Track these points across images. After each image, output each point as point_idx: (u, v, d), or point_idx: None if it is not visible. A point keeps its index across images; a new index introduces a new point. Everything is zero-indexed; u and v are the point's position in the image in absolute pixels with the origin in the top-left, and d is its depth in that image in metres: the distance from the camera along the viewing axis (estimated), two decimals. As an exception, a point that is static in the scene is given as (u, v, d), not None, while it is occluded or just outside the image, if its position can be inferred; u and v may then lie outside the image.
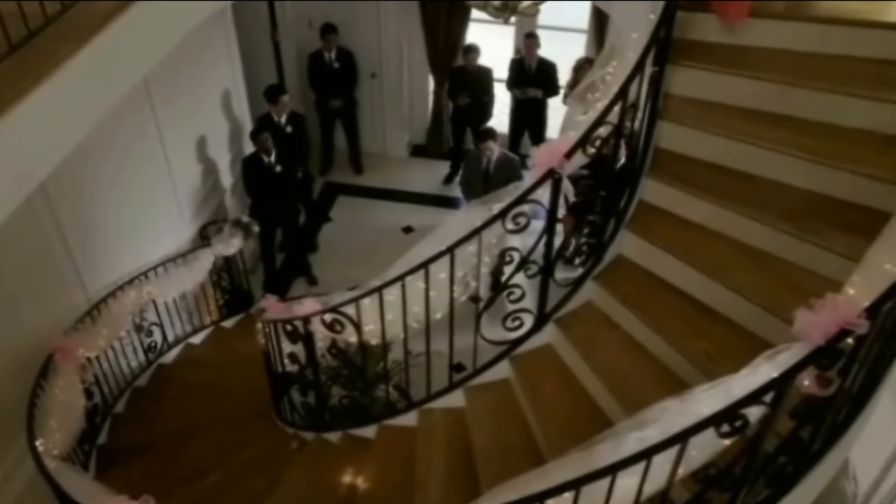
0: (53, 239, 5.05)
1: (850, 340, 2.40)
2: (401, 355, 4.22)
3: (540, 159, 3.31)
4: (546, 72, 7.87)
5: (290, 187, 7.20)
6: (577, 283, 3.89)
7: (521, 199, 3.34)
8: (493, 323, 3.94)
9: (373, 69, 8.55)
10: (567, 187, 3.37)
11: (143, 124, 5.95)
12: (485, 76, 8.17)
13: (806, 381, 2.48)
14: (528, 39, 7.85)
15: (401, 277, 3.59)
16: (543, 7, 8.03)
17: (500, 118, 8.60)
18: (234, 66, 7.33)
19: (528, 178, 3.40)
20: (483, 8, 6.66)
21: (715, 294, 3.58)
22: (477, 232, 3.41)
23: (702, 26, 3.90)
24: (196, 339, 6.78)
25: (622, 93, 3.25)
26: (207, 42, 6.74)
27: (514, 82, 8.05)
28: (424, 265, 3.52)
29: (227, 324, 7.06)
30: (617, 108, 3.32)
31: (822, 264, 3.35)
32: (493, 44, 8.72)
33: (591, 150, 3.34)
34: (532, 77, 7.89)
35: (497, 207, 3.40)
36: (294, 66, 8.35)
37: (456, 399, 4.12)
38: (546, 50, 7.89)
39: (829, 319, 2.36)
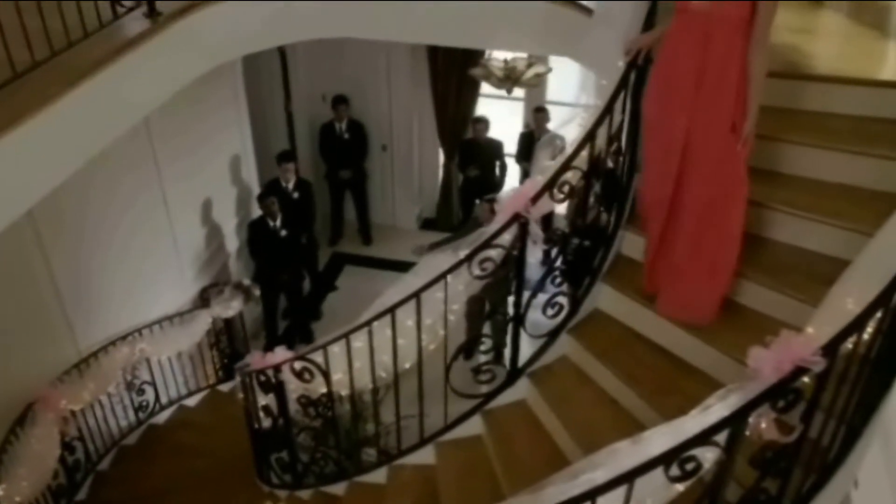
0: (45, 288, 5.09)
1: (806, 379, 2.28)
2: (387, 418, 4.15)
3: (506, 203, 3.29)
4: (555, 145, 7.93)
5: (294, 252, 7.25)
6: (551, 336, 3.79)
7: (486, 244, 3.30)
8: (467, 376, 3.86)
9: (383, 141, 8.70)
10: (535, 233, 3.33)
11: (146, 180, 6.07)
12: (494, 148, 8.26)
13: (763, 424, 2.35)
14: (538, 113, 7.96)
15: (367, 323, 3.54)
16: (553, 83, 8.23)
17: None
18: (244, 131, 7.50)
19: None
20: (487, 78, 6.84)
21: (692, 349, 3.47)
22: (442, 276, 3.36)
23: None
24: (191, 402, 6.71)
25: (589, 136, 3.24)
26: (216, 105, 6.92)
27: (523, 155, 8.11)
28: (391, 310, 3.47)
29: (224, 387, 6.98)
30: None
31: (801, 318, 3.22)
32: (503, 119, 8.84)
33: (560, 196, 3.31)
34: (541, 150, 7.96)
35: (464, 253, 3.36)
36: (306, 136, 8.53)
37: (427, 455, 3.99)
38: (555, 125, 7.97)
39: (783, 356, 2.25)
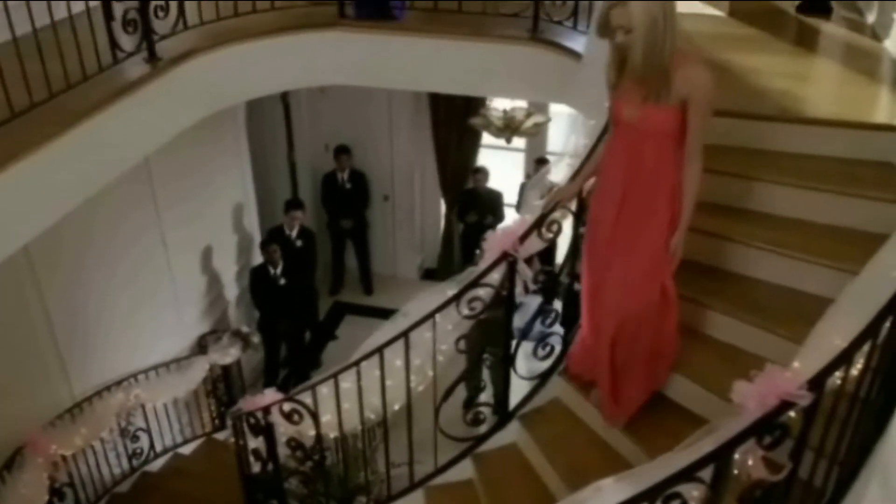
0: (40, 329, 5.09)
1: (793, 415, 2.24)
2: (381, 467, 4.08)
3: (494, 242, 3.29)
4: (556, 195, 7.96)
5: (294, 301, 7.24)
6: (543, 379, 3.75)
7: (475, 283, 3.29)
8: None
9: (385, 192, 8.77)
10: (525, 272, 3.32)
11: (146, 223, 6.11)
12: (494, 198, 8.31)
13: (750, 461, 2.30)
14: (539, 164, 8.01)
15: (356, 363, 3.52)
16: (553, 133, 8.32)
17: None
18: (246, 179, 7.56)
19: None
20: (486, 127, 6.91)
21: (687, 392, 3.42)
22: (430, 316, 3.34)
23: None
24: (186, 450, 6.64)
25: (577, 174, 3.25)
26: (218, 151, 7.00)
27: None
28: (378, 350, 3.45)
29: (220, 435, 6.90)
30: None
31: (791, 358, 3.19)
32: (507, 172, 8.91)
33: (548, 235, 3.31)
34: (541, 200, 7.98)
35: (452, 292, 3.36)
36: (309, 186, 8.60)
37: (416, 500, 3.91)
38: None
39: (767, 389, 2.22)
